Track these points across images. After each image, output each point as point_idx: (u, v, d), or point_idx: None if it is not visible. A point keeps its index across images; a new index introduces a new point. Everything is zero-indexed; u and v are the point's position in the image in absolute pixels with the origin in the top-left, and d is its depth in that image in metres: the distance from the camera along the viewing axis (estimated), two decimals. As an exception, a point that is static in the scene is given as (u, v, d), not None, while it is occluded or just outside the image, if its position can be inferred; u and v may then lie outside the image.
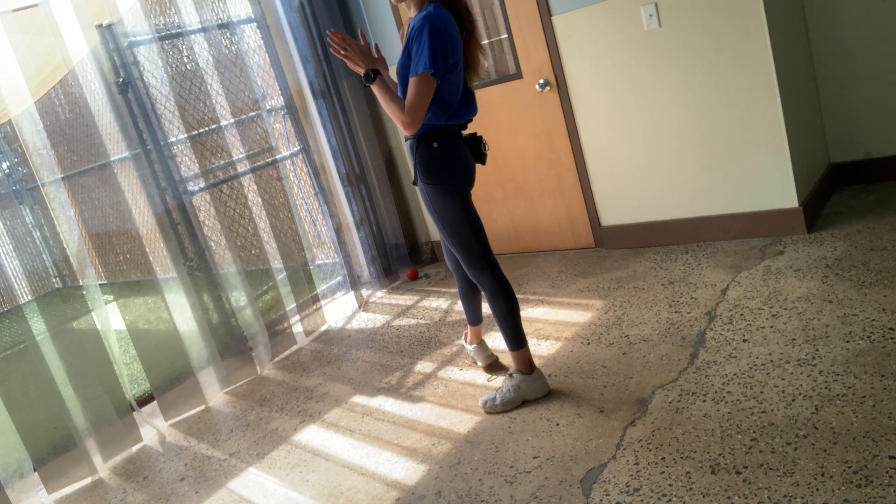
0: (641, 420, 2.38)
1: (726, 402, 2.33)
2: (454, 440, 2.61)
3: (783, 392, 2.30)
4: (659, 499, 1.98)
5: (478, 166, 3.77)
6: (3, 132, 7.88)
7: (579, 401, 2.62)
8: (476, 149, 2.62)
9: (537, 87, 4.04)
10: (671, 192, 3.85)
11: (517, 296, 3.85)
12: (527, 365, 2.72)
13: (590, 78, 3.88)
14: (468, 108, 2.58)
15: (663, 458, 2.15)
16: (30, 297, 8.16)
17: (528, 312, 3.60)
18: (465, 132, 2.65)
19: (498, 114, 4.31)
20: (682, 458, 2.12)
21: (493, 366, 3.11)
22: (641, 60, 3.67)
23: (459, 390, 2.99)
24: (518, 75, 4.13)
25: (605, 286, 3.65)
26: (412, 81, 2.33)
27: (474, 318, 3.06)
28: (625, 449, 2.25)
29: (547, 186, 4.31)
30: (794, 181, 3.47)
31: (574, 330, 3.24)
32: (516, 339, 2.68)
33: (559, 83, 3.98)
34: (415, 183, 2.60)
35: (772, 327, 2.73)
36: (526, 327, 3.41)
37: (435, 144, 2.50)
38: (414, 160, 2.54)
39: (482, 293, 2.82)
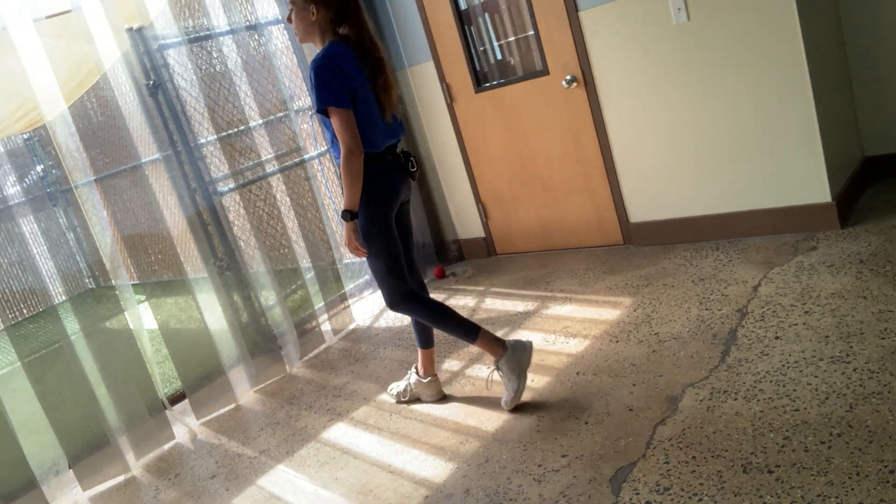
0: (672, 418, 2.36)
1: (758, 401, 2.30)
2: (482, 438, 2.61)
3: (816, 390, 2.26)
4: (689, 498, 1.96)
5: (503, 164, 4.11)
6: (37, 136, 8.03)
7: (608, 399, 2.60)
8: (404, 165, 2.73)
9: (564, 83, 4.02)
10: (701, 187, 3.81)
11: (545, 293, 3.84)
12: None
13: (617, 73, 3.85)
14: (388, 135, 2.67)
15: (694, 457, 2.12)
16: (64, 298, 8.32)
17: (555, 310, 3.58)
18: (397, 150, 2.77)
19: (524, 111, 4.29)
20: (713, 456, 2.10)
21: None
22: (670, 55, 3.63)
23: (486, 388, 2.98)
24: (545, 72, 4.11)
25: (634, 283, 3.62)
26: (332, 119, 2.49)
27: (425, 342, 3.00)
28: (655, 448, 2.23)
29: (574, 183, 4.29)
30: (827, 175, 3.41)
31: (602, 328, 3.22)
32: (469, 335, 2.73)
33: (586, 79, 3.96)
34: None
35: (805, 324, 2.69)
36: (554, 325, 3.40)
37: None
38: (340, 184, 2.66)
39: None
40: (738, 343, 2.70)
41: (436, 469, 2.50)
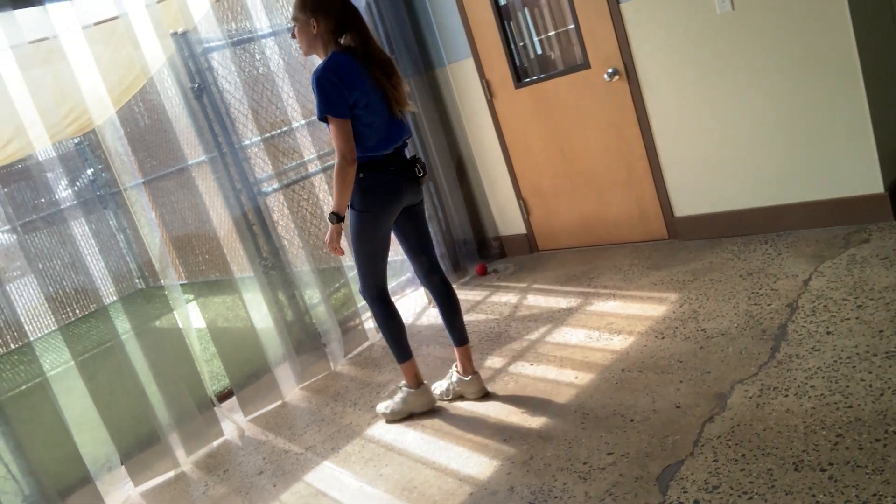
0: (720, 416, 2.31)
1: (810, 397, 2.24)
2: (526, 436, 2.59)
3: (870, 386, 2.19)
4: (739, 496, 1.92)
5: (544, 159, 4.13)
6: (87, 140, 8.25)
7: (654, 396, 2.57)
8: (410, 170, 2.79)
9: (605, 76, 3.97)
10: (748, 179, 3.73)
11: (588, 289, 3.81)
12: (412, 379, 3.00)
13: (660, 65, 3.79)
14: (392, 139, 2.74)
15: (743, 455, 2.08)
16: (115, 298, 8.54)
17: (598, 306, 3.55)
18: (406, 155, 2.85)
19: (565, 105, 4.26)
20: (763, 454, 2.05)
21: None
22: (714, 45, 3.56)
23: (530, 386, 2.97)
24: (586, 65, 4.07)
25: (680, 278, 3.56)
26: (329, 127, 2.59)
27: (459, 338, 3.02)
28: (703, 446, 2.19)
29: (617, 177, 4.24)
30: (880, 165, 3.31)
31: (647, 324, 3.18)
32: (400, 354, 2.97)
33: (628, 71, 3.91)
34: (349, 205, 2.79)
35: (857, 319, 2.61)
36: (597, 321, 3.36)
37: (361, 175, 2.69)
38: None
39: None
40: (789, 339, 2.64)
41: (480, 466, 2.50)
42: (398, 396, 3.05)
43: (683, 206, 4.03)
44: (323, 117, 2.59)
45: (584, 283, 3.96)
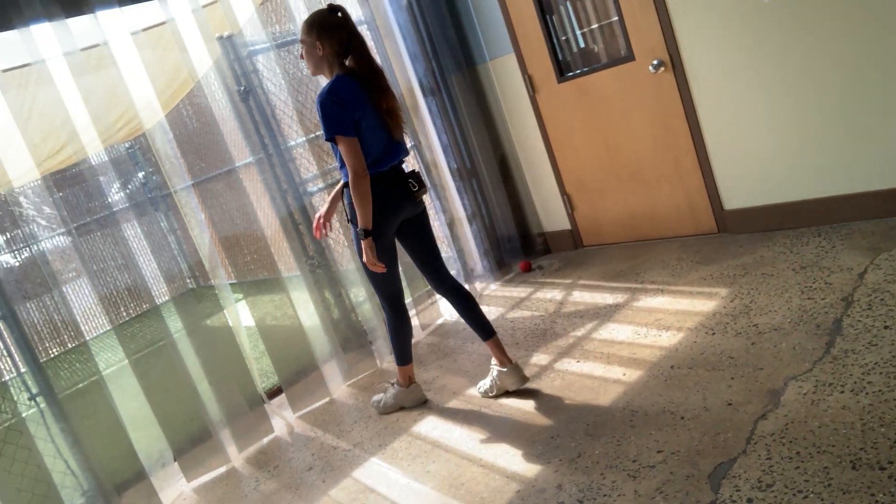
0: (773, 413, 2.26)
1: (867, 394, 2.18)
2: (573, 433, 2.57)
3: (934, 383, 2.12)
4: (794, 495, 1.87)
5: (588, 154, 4.17)
6: (138, 144, 8.46)
7: (705, 393, 2.52)
8: (404, 187, 2.90)
9: (651, 68, 3.91)
10: (801, 170, 3.63)
11: (635, 285, 3.76)
12: (406, 380, 3.25)
13: (707, 55, 3.71)
14: (389, 158, 2.86)
15: (798, 453, 2.03)
16: (166, 298, 8.74)
17: (646, 302, 3.50)
18: (405, 169, 2.97)
19: (610, 99, 4.21)
20: (818, 452, 2.00)
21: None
22: (763, 33, 3.47)
23: (577, 382, 2.94)
24: (630, 58, 4.02)
25: (730, 273, 3.49)
26: (339, 147, 2.72)
27: (484, 333, 3.07)
28: (756, 443, 2.14)
29: (664, 171, 4.17)
30: (941, 153, 3.19)
31: (697, 319, 3.12)
32: (402, 358, 3.21)
33: (674, 63, 3.84)
34: (349, 220, 2.93)
35: (919, 313, 2.53)
36: (645, 317, 3.32)
37: None
38: (345, 201, 2.93)
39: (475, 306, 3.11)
40: (844, 333, 2.56)
41: (527, 463, 2.49)
42: (390, 392, 3.30)
43: (733, 199, 3.94)
44: (331, 138, 2.71)
45: (631, 278, 3.91)
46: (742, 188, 3.88)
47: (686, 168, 4.06)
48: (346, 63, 2.80)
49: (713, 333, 2.94)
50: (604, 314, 3.54)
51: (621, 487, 2.17)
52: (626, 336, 3.20)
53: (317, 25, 2.77)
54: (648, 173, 4.24)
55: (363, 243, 2.77)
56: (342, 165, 2.82)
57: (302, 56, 2.86)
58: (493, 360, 3.07)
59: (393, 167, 2.89)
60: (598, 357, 3.10)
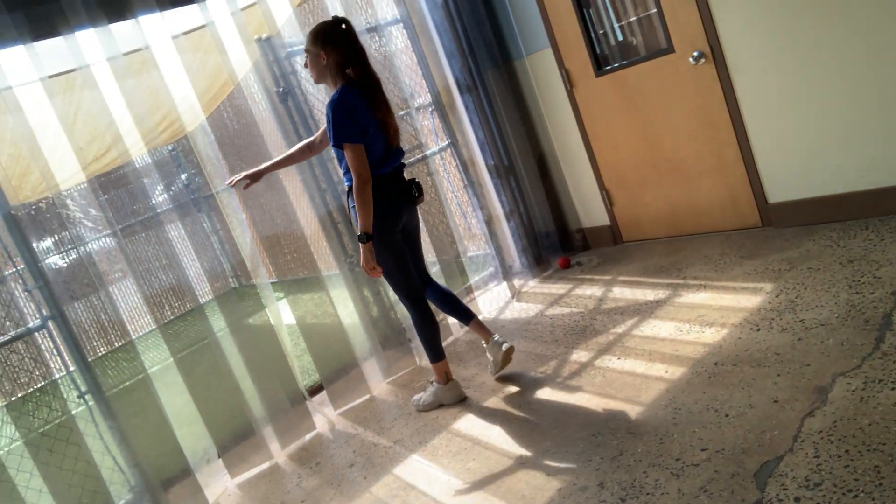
0: (821, 410, 2.20)
1: (922, 391, 2.11)
2: (614, 431, 2.54)
3: None
4: (843, 494, 1.82)
5: (627, 148, 4.18)
6: (180, 146, 8.61)
7: (750, 391, 2.47)
8: (407, 191, 3.12)
9: (691, 59, 3.85)
10: (848, 161, 3.53)
11: (677, 280, 3.70)
12: (443, 377, 3.28)
13: (749, 45, 3.64)
14: (388, 161, 3.05)
15: (847, 451, 1.97)
16: (209, 297, 8.88)
17: (689, 298, 3.44)
18: (404, 176, 3.16)
19: (649, 92, 4.15)
20: (868, 450, 1.94)
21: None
22: (807, 21, 3.39)
23: (618, 380, 2.91)
24: (669, 50, 3.96)
25: (775, 268, 3.41)
26: (345, 153, 2.88)
27: (465, 317, 3.36)
28: (803, 441, 2.09)
29: (705, 164, 4.10)
30: None
31: (741, 315, 3.06)
32: (434, 354, 3.27)
33: (715, 54, 3.77)
34: (352, 224, 3.15)
35: (975, 307, 2.44)
36: (688, 313, 3.27)
37: None
38: (349, 207, 3.09)
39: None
40: (895, 328, 2.49)
41: (568, 461, 2.47)
42: (429, 390, 3.34)
43: (777, 192, 3.86)
44: (339, 144, 2.88)
45: (673, 274, 3.86)
46: (787, 181, 3.79)
47: (728, 161, 3.98)
48: (348, 72, 2.95)
49: (758, 329, 2.88)
50: (645, 311, 3.49)
51: (664, 486, 2.14)
52: (669, 333, 3.15)
53: (322, 36, 2.92)
54: (689, 167, 4.18)
55: (362, 247, 2.92)
56: (346, 171, 3.01)
57: (306, 65, 3.02)
58: (483, 343, 3.39)
59: (395, 168, 3.08)
60: (640, 354, 3.06)
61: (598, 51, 4.36)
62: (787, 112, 3.63)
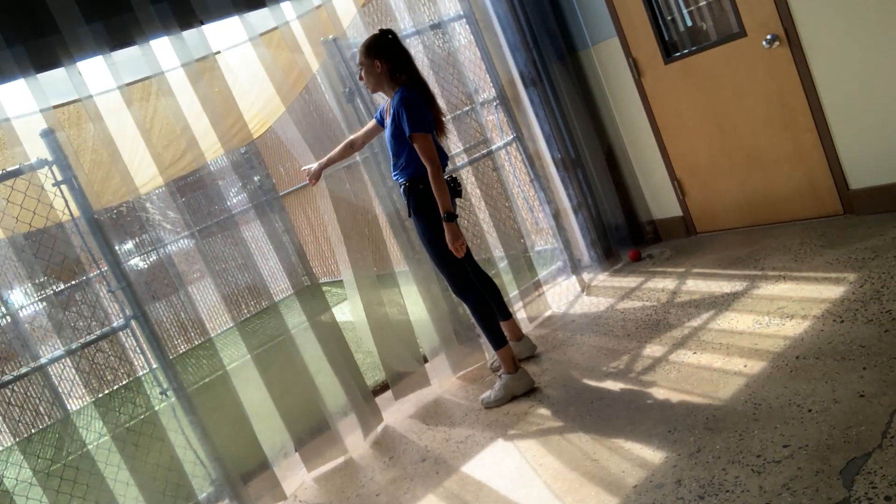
0: (913, 405, 2.10)
1: None
2: (691, 427, 2.48)
3: None
4: (941, 495, 1.73)
5: (699, 136, 4.05)
6: (252, 148, 8.81)
7: (834, 385, 2.37)
8: (451, 187, 3.26)
9: (764, 43, 3.72)
10: (936, 144, 3.35)
11: (754, 272, 3.59)
12: (509, 364, 3.29)
13: (826, 26, 3.49)
14: (443, 158, 3.28)
15: (944, 449, 1.88)
16: (283, 295, 9.09)
17: (767, 289, 3.33)
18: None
19: (721, 78, 4.03)
20: (968, 449, 1.84)
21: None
22: (890, -2, 3.22)
23: (694, 375, 2.84)
24: (741, 34, 3.83)
25: (859, 256, 3.27)
26: (416, 143, 3.09)
27: (503, 314, 3.56)
28: (893, 437, 2.00)
29: (782, 151, 3.95)
30: None
31: (824, 307, 2.94)
32: (497, 340, 3.30)
33: (789, 36, 3.63)
34: (409, 216, 3.31)
35: None
36: (767, 305, 3.16)
37: (421, 186, 3.21)
38: (407, 199, 3.28)
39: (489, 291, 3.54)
40: None
41: (643, 457, 2.42)
42: (498, 384, 3.32)
43: (860, 178, 3.69)
44: (412, 134, 3.07)
45: (750, 265, 3.74)
46: (869, 166, 3.62)
47: (806, 147, 3.83)
48: (402, 77, 3.17)
49: (842, 321, 2.76)
50: (721, 303, 3.40)
51: (745, 483, 2.08)
52: (747, 326, 3.06)
53: (374, 47, 3.16)
54: (765, 154, 4.04)
55: (447, 226, 3.10)
56: (404, 167, 3.22)
57: (361, 77, 3.25)
58: (507, 336, 3.48)
59: (445, 168, 3.29)
60: (717, 348, 2.98)
61: (666, 37, 4.26)
62: (868, 93, 3.46)
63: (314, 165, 3.58)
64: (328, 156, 3.57)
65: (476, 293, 3.33)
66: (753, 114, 3.98)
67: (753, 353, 2.81)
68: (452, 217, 3.11)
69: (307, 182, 3.58)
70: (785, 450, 2.15)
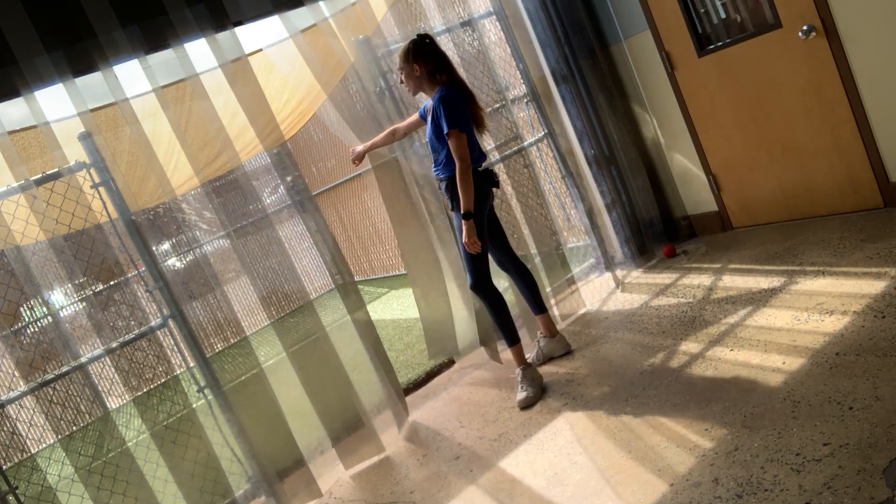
0: (959, 403, 2.05)
1: None
2: (729, 425, 2.45)
3: None
4: None
5: (735, 130, 4.08)
6: (284, 149, 8.90)
7: (876, 382, 2.32)
8: (489, 179, 3.42)
9: (800, 34, 3.65)
10: (982, 134, 3.26)
11: (792, 267, 3.53)
12: (520, 360, 3.43)
13: (864, 15, 3.41)
14: (481, 157, 3.41)
15: None
16: (317, 294, 9.17)
17: (806, 285, 3.27)
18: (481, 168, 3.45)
19: (756, 70, 3.96)
20: None
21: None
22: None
23: (731, 372, 2.80)
24: (776, 25, 3.76)
25: (901, 251, 3.19)
26: (451, 140, 3.20)
27: (537, 308, 3.66)
28: (939, 436, 1.95)
29: (820, 144, 3.88)
30: None
31: (864, 302, 2.88)
32: (510, 338, 3.45)
33: (826, 27, 3.56)
34: (452, 209, 3.40)
35: None
36: (805, 301, 3.11)
37: None
38: (447, 194, 3.38)
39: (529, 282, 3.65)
40: None
41: (679, 456, 2.40)
42: (521, 381, 3.38)
43: (902, 170, 3.61)
44: (450, 131, 3.19)
45: (788, 260, 3.67)
46: (913, 157, 3.54)
47: (845, 139, 3.75)
48: (441, 77, 3.29)
49: (883, 317, 2.70)
50: (758, 299, 3.34)
51: (784, 482, 2.05)
52: (785, 322, 3.01)
53: (412, 52, 3.29)
54: (803, 147, 3.96)
55: (465, 224, 3.22)
56: (443, 164, 3.33)
57: (401, 81, 3.38)
58: (541, 332, 3.67)
59: (482, 165, 3.43)
60: (754, 345, 2.93)
61: (699, 30, 4.20)
62: (912, 83, 3.38)
63: (359, 147, 3.74)
64: (372, 140, 3.73)
65: (492, 292, 3.43)
66: (790, 106, 3.91)
67: (792, 349, 2.76)
68: (470, 216, 3.22)
69: (347, 176, 3.77)
70: (825, 448, 2.11)
